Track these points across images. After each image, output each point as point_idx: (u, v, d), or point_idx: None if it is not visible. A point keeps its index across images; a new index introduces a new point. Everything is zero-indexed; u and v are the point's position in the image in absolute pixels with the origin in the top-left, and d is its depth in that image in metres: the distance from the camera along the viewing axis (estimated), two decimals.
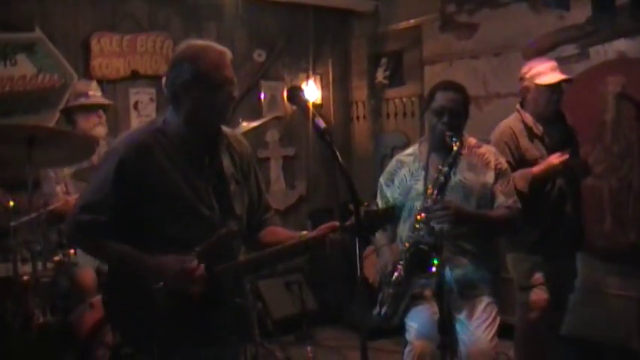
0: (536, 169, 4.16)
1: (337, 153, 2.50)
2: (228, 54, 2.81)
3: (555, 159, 4.14)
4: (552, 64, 4.34)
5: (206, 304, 2.73)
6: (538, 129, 4.29)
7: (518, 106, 4.39)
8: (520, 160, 4.23)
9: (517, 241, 4.29)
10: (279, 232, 3.07)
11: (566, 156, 4.13)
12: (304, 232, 2.91)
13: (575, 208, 4.45)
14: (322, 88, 7.24)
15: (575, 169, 4.34)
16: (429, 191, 3.54)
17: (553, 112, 4.30)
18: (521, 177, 4.11)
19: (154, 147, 2.76)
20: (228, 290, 2.81)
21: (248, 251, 3.00)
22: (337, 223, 2.76)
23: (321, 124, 2.58)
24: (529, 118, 4.29)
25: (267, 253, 2.89)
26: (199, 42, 2.83)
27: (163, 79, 2.87)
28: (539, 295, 4.30)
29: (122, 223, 2.74)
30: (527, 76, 4.33)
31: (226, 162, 2.91)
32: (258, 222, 3.09)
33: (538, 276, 4.30)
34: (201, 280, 2.70)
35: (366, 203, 3.43)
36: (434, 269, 3.22)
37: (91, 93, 4.96)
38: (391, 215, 3.06)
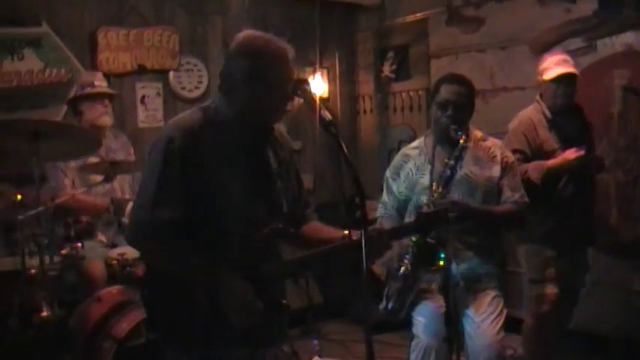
0: (551, 162, 4.19)
1: (343, 144, 2.47)
2: (290, 51, 2.71)
3: (571, 154, 4.16)
4: (558, 58, 4.37)
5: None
6: (556, 121, 4.31)
7: (537, 97, 4.44)
8: (537, 151, 4.26)
9: (530, 233, 4.29)
10: (321, 229, 2.98)
11: (582, 152, 4.15)
12: (346, 232, 2.75)
13: (589, 203, 4.46)
14: (329, 82, 7.25)
15: (590, 164, 4.35)
16: (435, 186, 3.54)
17: (563, 105, 4.33)
18: (535, 168, 4.14)
19: (207, 137, 2.66)
20: (272, 290, 2.74)
21: (289, 246, 2.92)
22: (383, 229, 2.77)
23: (327, 115, 2.56)
24: (547, 110, 4.33)
25: (315, 253, 2.81)
26: (260, 35, 2.72)
27: (221, 68, 2.77)
28: (551, 289, 4.31)
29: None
30: (539, 70, 4.41)
31: (271, 157, 2.83)
32: (299, 218, 2.98)
33: (551, 270, 4.31)
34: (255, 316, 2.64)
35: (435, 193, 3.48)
36: (441, 262, 3.23)
37: (97, 83, 4.95)
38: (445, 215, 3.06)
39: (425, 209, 3.42)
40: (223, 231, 2.65)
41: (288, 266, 2.84)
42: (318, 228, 2.99)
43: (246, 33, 2.74)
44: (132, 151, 5.18)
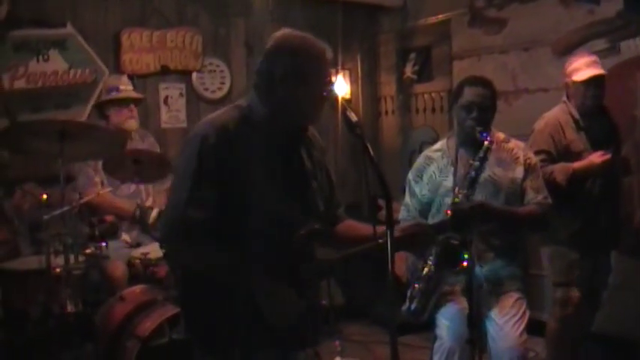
0: (577, 164, 4.16)
1: (369, 146, 2.43)
2: (328, 51, 2.66)
3: (597, 158, 4.14)
4: (588, 59, 4.32)
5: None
6: (583, 122, 4.29)
7: (564, 98, 4.40)
8: (564, 152, 4.23)
9: (555, 235, 4.28)
10: (356, 227, 2.93)
11: (609, 156, 4.12)
12: (381, 228, 2.49)
13: (615, 205, 4.43)
14: (351, 83, 7.25)
15: (617, 166, 4.32)
16: (458, 188, 3.53)
17: (592, 107, 4.30)
18: (561, 171, 4.12)
19: (241, 135, 2.60)
20: (310, 291, 2.71)
21: (322, 246, 2.81)
22: (421, 222, 2.76)
23: (353, 117, 2.52)
24: (575, 111, 4.30)
25: (355, 251, 2.76)
26: (298, 34, 2.67)
27: (257, 65, 2.68)
28: (576, 292, 4.29)
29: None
30: (567, 72, 4.37)
31: (305, 157, 2.78)
32: (332, 218, 2.92)
33: (576, 273, 4.30)
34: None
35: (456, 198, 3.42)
36: (464, 263, 3.22)
37: (122, 87, 5.03)
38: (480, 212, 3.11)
39: (459, 204, 3.39)
40: (259, 231, 2.59)
41: (328, 266, 2.80)
42: (352, 226, 2.95)
43: (284, 32, 2.69)
44: (158, 151, 5.23)
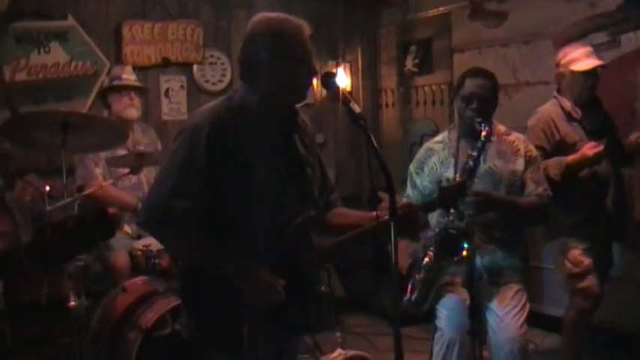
0: (570, 158, 4.14)
1: (372, 138, 2.44)
2: (306, 27, 2.68)
3: (589, 150, 4.11)
4: (587, 49, 4.32)
5: (292, 296, 2.61)
6: (577, 113, 4.29)
7: (555, 93, 4.40)
8: (559, 145, 4.22)
9: (561, 227, 4.27)
10: (349, 214, 2.95)
11: (601, 147, 4.10)
12: (375, 213, 2.60)
13: (617, 195, 4.41)
14: (351, 75, 7.24)
15: (615, 154, 4.30)
16: (458, 178, 3.53)
17: (588, 97, 4.30)
18: (554, 165, 4.10)
19: (235, 124, 2.61)
20: (311, 278, 2.74)
21: (316, 234, 2.86)
22: (413, 202, 2.80)
23: (356, 108, 2.54)
24: (567, 103, 4.30)
25: (349, 236, 2.78)
26: (274, 15, 2.70)
27: (239, 54, 2.73)
28: (593, 280, 4.25)
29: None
30: (562, 62, 4.34)
31: (299, 144, 2.80)
32: (324, 204, 2.94)
33: (589, 261, 4.25)
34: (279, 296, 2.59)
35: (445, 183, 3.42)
36: (464, 252, 3.23)
37: (124, 76, 5.06)
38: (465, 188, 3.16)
39: (445, 184, 3.40)
40: (257, 218, 2.61)
41: (325, 253, 2.83)
42: (345, 213, 2.97)
43: (260, 16, 2.71)
44: (159, 146, 5.25)
